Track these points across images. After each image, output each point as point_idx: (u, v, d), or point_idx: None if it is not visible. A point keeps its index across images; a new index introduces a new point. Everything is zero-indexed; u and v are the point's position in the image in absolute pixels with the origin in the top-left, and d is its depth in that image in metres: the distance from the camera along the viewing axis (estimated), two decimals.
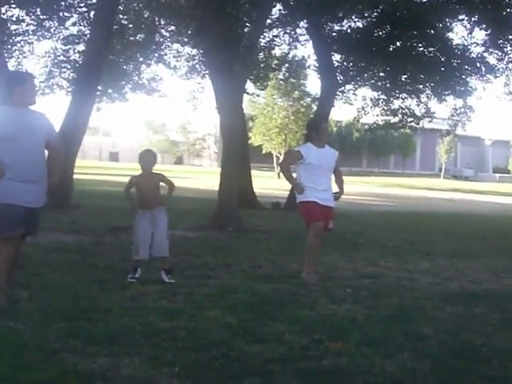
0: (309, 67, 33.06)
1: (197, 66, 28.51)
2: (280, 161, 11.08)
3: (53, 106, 70.15)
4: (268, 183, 41.36)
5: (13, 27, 24.87)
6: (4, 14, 23.71)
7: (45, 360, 5.58)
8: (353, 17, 26.22)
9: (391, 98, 29.24)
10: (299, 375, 5.56)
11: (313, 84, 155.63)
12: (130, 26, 26.89)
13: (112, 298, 8.03)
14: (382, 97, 29.18)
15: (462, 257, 13.50)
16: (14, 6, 23.90)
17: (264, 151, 61.41)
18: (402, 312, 8.07)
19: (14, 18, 24.54)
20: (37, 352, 5.77)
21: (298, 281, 9.79)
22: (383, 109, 29.48)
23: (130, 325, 6.81)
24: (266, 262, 11.57)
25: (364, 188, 46.78)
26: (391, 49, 26.49)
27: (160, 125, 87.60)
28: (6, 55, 22.61)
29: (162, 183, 9.62)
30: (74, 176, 20.88)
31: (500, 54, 25.78)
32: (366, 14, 25.89)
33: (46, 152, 7.74)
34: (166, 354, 5.88)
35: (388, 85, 28.59)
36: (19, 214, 7.31)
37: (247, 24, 22.95)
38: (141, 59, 29.03)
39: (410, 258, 12.97)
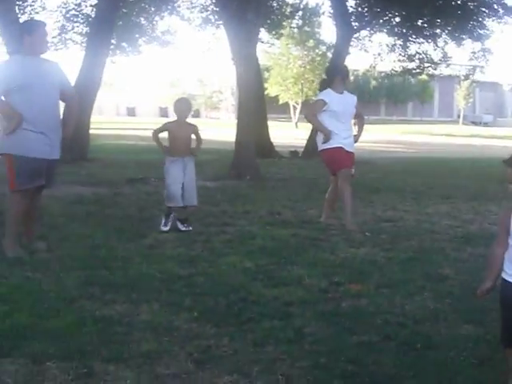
0: (323, 14, 32.81)
1: (210, 16, 28.24)
2: (305, 113, 10.65)
3: (67, 61, 69.79)
4: (285, 133, 41.11)
5: None
6: None
7: (63, 308, 5.59)
8: None
9: (408, 44, 28.88)
10: (319, 317, 5.55)
11: (327, 32, 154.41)
12: None
13: (130, 246, 8.04)
14: (399, 42, 28.84)
15: (482, 200, 13.38)
16: None
17: (281, 101, 61.17)
18: (422, 254, 8.02)
19: None
20: (55, 300, 5.78)
21: (317, 226, 9.75)
22: (400, 54, 29.16)
23: (148, 272, 6.81)
24: (284, 208, 11.52)
25: (383, 136, 46.42)
26: None
27: (176, 78, 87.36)
28: (17, 11, 22.39)
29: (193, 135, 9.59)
30: (91, 131, 20.83)
31: None
32: None
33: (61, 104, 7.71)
34: (185, 300, 5.88)
35: (404, 30, 28.20)
36: (41, 167, 7.30)
37: None
38: (154, 11, 28.74)
39: (430, 202, 12.86)
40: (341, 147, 9.77)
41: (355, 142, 10.14)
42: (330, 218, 10.10)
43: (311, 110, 10.32)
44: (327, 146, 9.81)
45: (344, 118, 9.90)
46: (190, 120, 9.70)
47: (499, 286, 4.10)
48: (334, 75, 10.05)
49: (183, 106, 9.56)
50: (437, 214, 11.44)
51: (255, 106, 18.49)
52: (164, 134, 9.48)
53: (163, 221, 9.18)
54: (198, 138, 9.62)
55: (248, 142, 16.89)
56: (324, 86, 10.21)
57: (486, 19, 27.35)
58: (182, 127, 9.44)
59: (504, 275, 4.07)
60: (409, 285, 6.57)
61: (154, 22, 29.82)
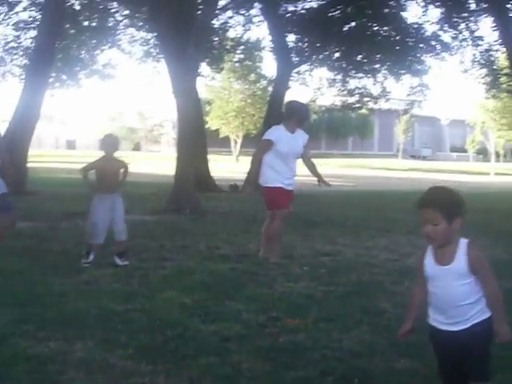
0: (264, 49, 33.09)
1: (151, 50, 28.25)
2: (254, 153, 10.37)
3: (6, 94, 69.11)
4: (226, 166, 41.21)
5: None
6: None
7: None
8: None
9: (347, 78, 29.27)
10: (256, 352, 5.51)
11: (269, 66, 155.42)
12: (83, 10, 26.50)
13: (67, 282, 7.90)
14: (338, 77, 29.21)
15: (419, 233, 13.41)
16: None
17: (222, 135, 61.22)
18: (361, 288, 8.04)
19: None
20: None
21: (256, 260, 9.72)
22: (340, 89, 29.49)
23: (85, 308, 6.69)
24: (223, 242, 11.46)
25: (323, 169, 46.62)
26: (346, 28, 26.55)
27: (117, 112, 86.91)
28: None
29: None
30: (30, 164, 20.58)
31: (454, 32, 25.86)
32: None
33: None
34: (120, 336, 5.79)
35: (344, 65, 28.59)
36: None
37: (200, 6, 22.73)
38: (95, 44, 28.64)
39: (369, 236, 12.93)
40: (281, 187, 9.76)
41: (326, 184, 10.23)
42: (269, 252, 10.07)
43: (257, 153, 10.04)
44: (269, 184, 9.77)
45: (289, 158, 9.83)
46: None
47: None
48: (293, 115, 9.90)
49: (110, 142, 9.49)
50: (375, 247, 11.50)
51: (195, 140, 18.47)
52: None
53: (84, 259, 9.10)
54: (124, 174, 9.53)
55: (187, 176, 16.83)
56: (281, 119, 10.12)
57: (424, 55, 27.91)
58: (110, 163, 9.37)
59: (427, 319, 4.21)
60: (346, 319, 6.56)
61: (95, 55, 29.70)
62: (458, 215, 3.99)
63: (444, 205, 3.97)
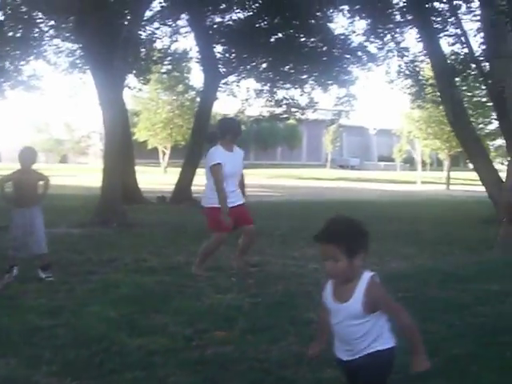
0: (191, 60, 33.02)
1: (77, 61, 27.93)
2: (214, 179, 9.85)
3: None
4: (154, 178, 40.97)
5: None
6: None
7: None
8: (234, 8, 26.22)
9: (275, 89, 29.38)
10: (183, 365, 5.48)
11: (197, 77, 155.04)
12: (7, 20, 26.05)
13: None
14: (266, 88, 29.28)
15: None
16: None
17: (150, 146, 60.84)
18: (288, 298, 8.06)
19: None
20: None
21: (184, 272, 9.67)
22: (267, 100, 29.59)
23: (8, 325, 6.57)
24: (150, 255, 11.35)
25: (252, 180, 46.87)
26: (273, 39, 26.66)
27: (43, 123, 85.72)
28: None
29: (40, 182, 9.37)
30: None
31: (380, 43, 26.17)
32: (247, 5, 25.94)
33: None
34: (45, 352, 5.70)
35: (271, 75, 28.72)
36: None
37: (127, 17, 22.60)
38: (19, 55, 28.17)
39: (297, 246, 12.97)
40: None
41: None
42: (246, 265, 10.02)
43: (217, 178, 9.54)
44: (215, 204, 9.55)
45: (234, 176, 9.75)
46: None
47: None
48: (227, 132, 9.76)
49: (27, 154, 9.34)
50: (303, 257, 11.52)
51: (122, 151, 18.31)
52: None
53: (8, 274, 8.93)
54: (45, 187, 9.40)
55: (114, 188, 16.68)
56: (211, 140, 9.99)
57: (351, 66, 28.18)
58: (28, 176, 9.23)
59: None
60: (274, 330, 6.57)
61: (20, 66, 29.22)
62: (360, 249, 3.73)
63: (343, 240, 3.69)
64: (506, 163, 21.01)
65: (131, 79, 29.42)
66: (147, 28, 26.15)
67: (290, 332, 6.52)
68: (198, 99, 34.26)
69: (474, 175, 19.23)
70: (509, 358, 5.84)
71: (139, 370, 5.35)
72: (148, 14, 24.05)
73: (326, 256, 3.73)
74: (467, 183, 47.81)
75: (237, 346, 6.02)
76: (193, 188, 25.40)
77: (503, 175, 21.29)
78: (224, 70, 26.80)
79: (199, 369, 5.40)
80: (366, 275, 3.75)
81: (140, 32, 23.81)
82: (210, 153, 9.81)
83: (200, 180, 29.76)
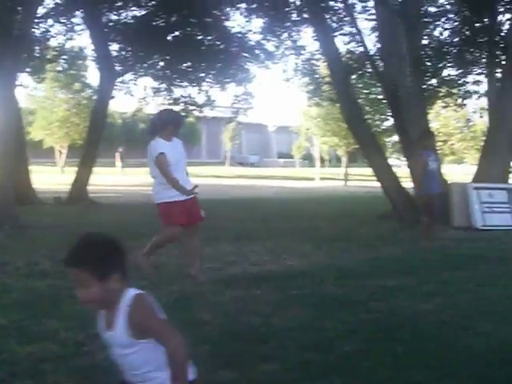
0: (87, 58, 32.59)
1: None
2: (162, 171, 9.47)
3: None
4: (51, 178, 40.20)
5: None
6: None
7: None
8: (130, 5, 25.94)
9: (172, 87, 29.18)
10: (72, 372, 5.37)
11: (94, 75, 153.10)
12: None
13: None
14: (163, 86, 29.06)
15: (246, 240, 13.62)
16: None
17: (46, 146, 59.69)
18: (183, 299, 7.99)
19: None
20: None
21: None
22: (165, 98, 29.38)
23: None
24: (43, 258, 11.05)
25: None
26: (170, 38, 26.49)
27: None
28: None
29: None
30: None
31: (277, 41, 26.32)
32: (143, 3, 25.71)
33: None
34: None
35: (168, 74, 28.52)
36: None
37: (18, 14, 22.06)
38: None
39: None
40: (179, 201, 9.44)
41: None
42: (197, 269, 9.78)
43: (166, 170, 9.37)
44: (167, 198, 9.39)
45: (180, 167, 9.53)
46: None
47: None
48: (167, 124, 9.51)
49: None
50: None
51: (14, 151, 17.84)
52: None
53: None
54: None
55: (7, 189, 16.23)
56: (151, 132, 9.74)
57: (248, 64, 28.24)
58: None
59: None
60: None
61: None
62: (113, 271, 3.25)
63: (91, 263, 3.20)
64: (403, 159, 21.43)
65: (25, 78, 28.85)
66: (41, 25, 25.60)
67: (184, 334, 6.42)
68: (96, 97, 33.69)
69: (371, 171, 19.48)
70: (400, 354, 5.91)
71: (27, 378, 5.21)
72: (41, 10, 23.59)
73: (76, 282, 3.23)
74: (364, 179, 48.55)
75: None
76: (90, 188, 25.01)
77: (399, 170, 21.74)
78: (120, 68, 26.49)
79: (89, 375, 5.29)
80: (128, 297, 3.27)
81: (33, 30, 23.30)
82: (152, 145, 9.56)
83: (97, 179, 29.47)
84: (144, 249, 9.75)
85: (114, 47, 26.75)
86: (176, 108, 29.77)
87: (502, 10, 20.40)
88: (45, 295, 8.16)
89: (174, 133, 9.66)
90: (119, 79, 27.09)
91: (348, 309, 7.60)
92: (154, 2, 25.58)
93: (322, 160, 68.59)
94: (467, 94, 26.66)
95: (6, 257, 11.02)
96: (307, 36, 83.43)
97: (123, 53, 26.78)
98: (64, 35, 28.11)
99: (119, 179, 43.78)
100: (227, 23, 27.64)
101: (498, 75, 20.12)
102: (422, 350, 6.01)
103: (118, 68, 26.28)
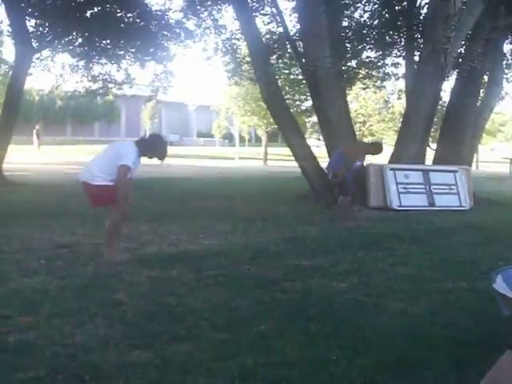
0: (2, 33, 31.87)
1: None
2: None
3: None
4: None
5: None
6: None
7: None
8: None
9: (91, 65, 28.77)
10: None
11: (10, 51, 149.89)
12: None
13: None
14: (82, 63, 28.62)
15: (162, 220, 13.58)
16: None
17: None
18: (98, 280, 7.94)
19: None
20: None
21: None
22: (83, 75, 28.96)
23: None
24: None
25: (69, 157, 46.04)
26: (89, 14, 26.06)
27: None
28: None
29: None
30: None
31: (198, 20, 26.15)
32: None
33: None
34: None
35: (87, 51, 28.08)
36: None
37: None
38: None
39: None
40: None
41: None
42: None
43: (123, 179, 9.18)
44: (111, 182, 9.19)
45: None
46: None
47: None
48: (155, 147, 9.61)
49: None
50: None
51: None
52: None
53: None
54: None
55: None
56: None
57: (168, 42, 28.02)
58: None
59: None
60: (81, 313, 6.43)
61: None
62: None
63: None
64: (322, 139, 21.55)
65: None
66: None
67: (98, 314, 6.42)
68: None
69: (290, 151, 19.58)
70: (313, 332, 5.99)
71: None
72: None
73: None
74: (284, 159, 48.77)
75: (41, 332, 5.86)
76: (4, 166, 24.53)
77: (317, 150, 21.92)
78: (37, 44, 25.97)
79: (1, 357, 5.21)
80: None
81: None
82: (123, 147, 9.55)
83: (13, 158, 28.94)
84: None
85: (31, 22, 26.19)
86: (94, 86, 29.46)
87: None
88: None
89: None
90: (36, 55, 26.56)
91: (263, 288, 7.65)
92: None
93: (243, 139, 68.70)
94: (386, 76, 26.96)
95: None
96: (228, 15, 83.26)
97: (40, 28, 26.21)
98: None
99: (35, 157, 43.10)
100: (147, 0, 27.39)
101: (416, 58, 20.39)
102: (335, 329, 6.10)
103: (34, 44, 25.75)
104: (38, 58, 27.01)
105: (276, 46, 23.53)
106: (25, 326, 6.00)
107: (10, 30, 26.37)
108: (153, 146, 9.62)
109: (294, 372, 5.02)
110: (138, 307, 6.72)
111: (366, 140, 49.02)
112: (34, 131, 52.76)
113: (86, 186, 9.35)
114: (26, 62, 25.09)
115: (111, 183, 9.14)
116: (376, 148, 15.20)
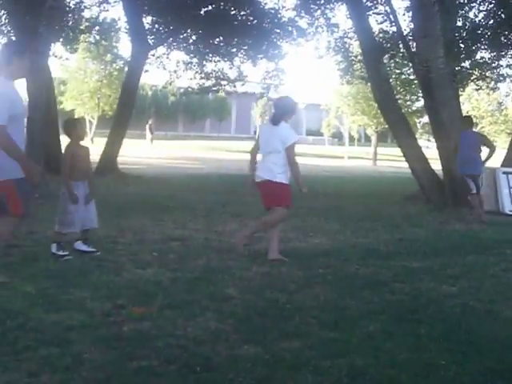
0: (119, 30, 32.65)
1: (3, 27, 27.29)
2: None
3: None
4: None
5: None
6: None
7: None
8: None
9: (204, 62, 29.19)
10: (99, 342, 5.42)
11: (126, 47, 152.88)
12: None
13: None
14: (195, 60, 29.08)
15: None
16: None
17: (77, 116, 59.84)
18: (209, 273, 8.06)
19: None
20: None
21: (106, 246, 9.58)
22: (197, 72, 29.41)
23: None
24: None
25: (180, 152, 46.74)
26: (203, 12, 26.43)
27: None
28: None
29: None
30: None
31: (310, 18, 26.17)
32: None
33: None
34: None
35: (201, 48, 28.50)
36: None
37: None
38: None
39: (220, 220, 12.98)
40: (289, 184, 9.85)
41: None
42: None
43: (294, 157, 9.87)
44: (285, 181, 9.74)
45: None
46: None
47: None
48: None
49: (83, 125, 9.72)
50: (226, 232, 11.54)
51: (46, 120, 17.95)
52: None
53: (60, 250, 8.87)
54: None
55: (37, 157, 16.29)
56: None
57: (281, 40, 28.14)
58: (83, 148, 9.32)
59: None
60: (192, 306, 6.56)
61: None
62: None
63: None
64: (432, 140, 21.31)
65: (58, 48, 28.95)
66: None
67: (209, 308, 6.52)
68: (127, 69, 33.72)
69: (400, 152, 19.40)
70: (423, 335, 5.95)
71: (54, 346, 5.27)
72: None
73: None
74: (393, 159, 48.34)
75: (154, 323, 5.99)
76: (119, 159, 25.13)
77: (428, 151, 21.64)
78: (153, 41, 26.51)
79: (115, 345, 5.35)
80: None
81: (67, 1, 23.40)
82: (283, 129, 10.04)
83: (127, 151, 29.57)
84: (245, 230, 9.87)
85: (147, 20, 26.75)
86: (207, 83, 29.87)
87: None
88: (73, 265, 8.26)
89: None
90: (151, 52, 27.12)
91: (372, 289, 7.62)
92: None
93: (352, 139, 68.37)
94: (500, 78, 26.45)
95: (34, 226, 11.10)
96: (341, 14, 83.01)
97: (156, 26, 26.76)
98: (98, 6, 28.27)
99: (148, 152, 43.93)
100: None
101: None
102: (444, 333, 6.04)
103: (150, 41, 26.29)
104: (153, 55, 27.56)
105: (389, 45, 23.37)
106: (138, 316, 6.15)
107: (127, 27, 26.95)
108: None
109: (403, 374, 4.99)
110: (248, 302, 6.79)
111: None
112: (147, 126, 53.71)
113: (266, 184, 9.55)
114: (142, 59, 25.63)
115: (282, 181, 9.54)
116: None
